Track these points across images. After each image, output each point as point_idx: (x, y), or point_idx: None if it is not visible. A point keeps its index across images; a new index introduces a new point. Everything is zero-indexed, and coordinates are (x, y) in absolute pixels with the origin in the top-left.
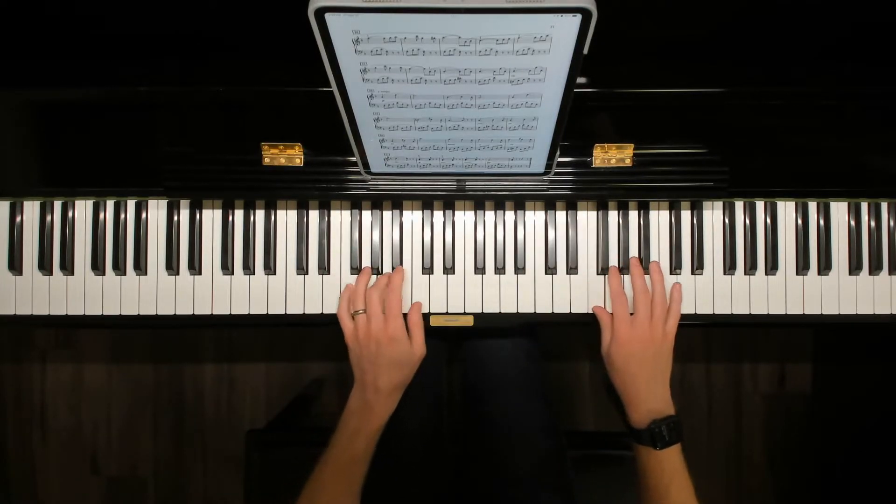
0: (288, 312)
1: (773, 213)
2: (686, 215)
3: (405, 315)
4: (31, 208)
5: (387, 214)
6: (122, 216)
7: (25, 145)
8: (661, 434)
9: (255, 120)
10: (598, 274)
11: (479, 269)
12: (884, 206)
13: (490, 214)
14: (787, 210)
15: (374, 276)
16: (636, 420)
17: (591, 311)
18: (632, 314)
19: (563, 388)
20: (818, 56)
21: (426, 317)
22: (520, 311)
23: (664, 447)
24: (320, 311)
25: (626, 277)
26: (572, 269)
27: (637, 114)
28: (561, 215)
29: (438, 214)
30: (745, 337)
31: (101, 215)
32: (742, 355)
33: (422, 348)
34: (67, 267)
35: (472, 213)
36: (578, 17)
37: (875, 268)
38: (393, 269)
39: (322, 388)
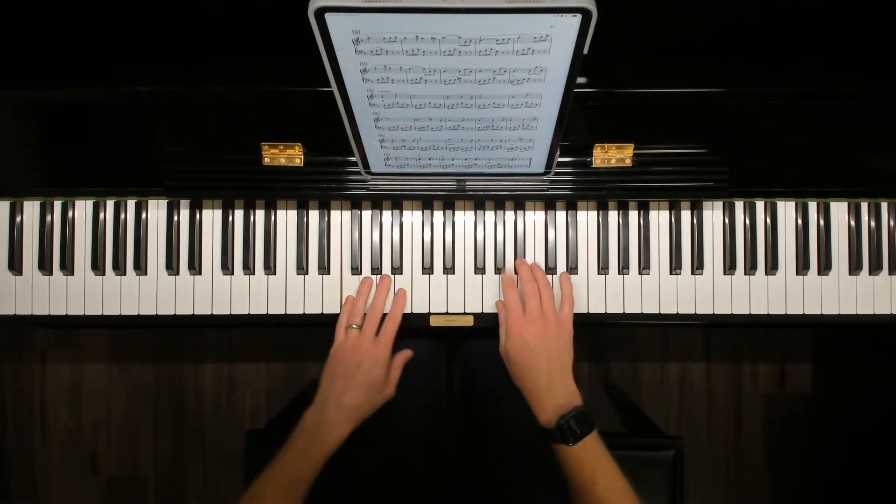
0: (288, 312)
1: (773, 213)
2: (686, 215)
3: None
4: (31, 208)
5: (387, 214)
6: (122, 216)
7: (25, 145)
8: (571, 429)
9: (255, 120)
10: (598, 274)
11: (479, 269)
12: (884, 206)
13: (490, 214)
14: (787, 210)
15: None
16: (544, 420)
17: (590, 311)
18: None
19: None
20: (818, 56)
21: (426, 317)
22: None
23: (577, 441)
24: (320, 311)
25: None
26: (572, 268)
27: (637, 114)
28: (561, 215)
29: (438, 214)
30: (745, 337)
31: (101, 215)
32: (742, 355)
33: (393, 389)
34: (67, 267)
35: (472, 213)
36: (578, 17)
37: (875, 268)
38: (393, 269)
39: None
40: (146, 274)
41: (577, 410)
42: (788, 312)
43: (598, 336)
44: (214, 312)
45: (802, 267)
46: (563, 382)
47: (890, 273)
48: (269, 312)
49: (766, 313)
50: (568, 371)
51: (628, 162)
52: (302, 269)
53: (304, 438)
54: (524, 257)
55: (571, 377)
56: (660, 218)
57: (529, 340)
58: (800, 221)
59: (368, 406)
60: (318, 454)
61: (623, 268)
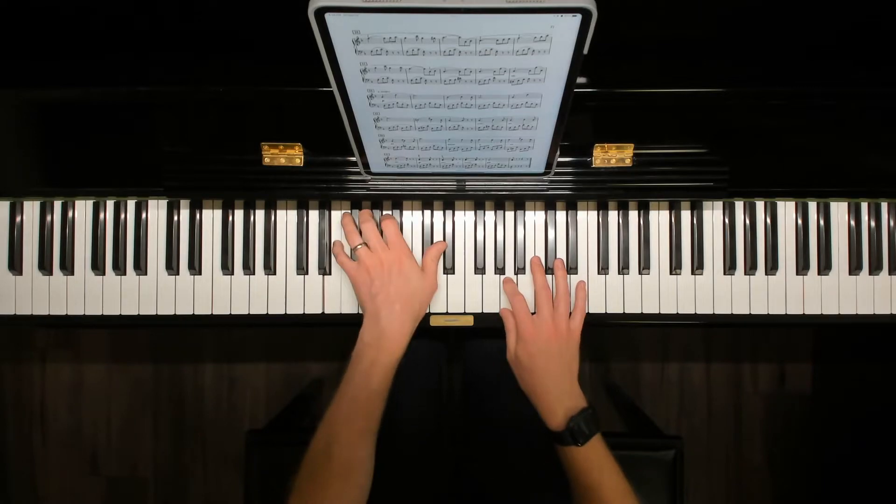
0: (288, 312)
1: (773, 213)
2: (686, 215)
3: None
4: (31, 208)
5: (387, 214)
6: (122, 216)
7: (25, 145)
8: (580, 430)
9: (255, 120)
10: (598, 274)
11: (479, 269)
12: (884, 206)
13: (490, 214)
14: (787, 210)
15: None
16: (554, 423)
17: (590, 311)
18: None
19: None
20: (818, 56)
21: (426, 316)
22: None
23: (585, 441)
24: (320, 311)
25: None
26: (572, 268)
27: (637, 114)
28: (561, 215)
29: (438, 214)
30: (745, 337)
31: (101, 215)
32: (742, 355)
33: (434, 280)
34: (67, 267)
35: (472, 213)
36: (578, 17)
37: (875, 268)
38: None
39: (322, 388)
40: (146, 274)
41: (586, 411)
42: (788, 312)
43: (598, 336)
44: (214, 312)
45: (802, 267)
46: (572, 388)
47: (890, 273)
48: (269, 312)
49: (766, 313)
50: (575, 377)
51: (628, 162)
52: (302, 269)
53: (369, 353)
54: (524, 257)
55: (576, 381)
56: (660, 218)
57: (542, 347)
58: (800, 221)
59: (417, 303)
60: (388, 363)
61: (623, 268)
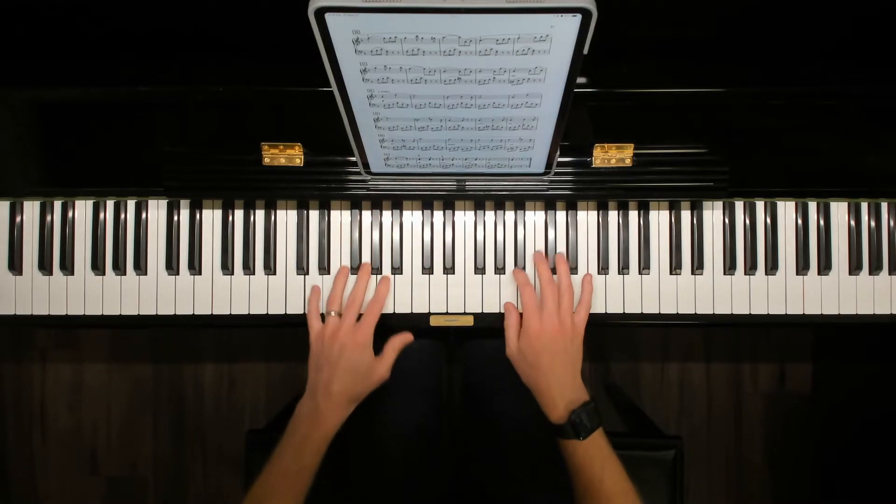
0: (288, 313)
1: (773, 213)
2: (686, 215)
3: (377, 336)
4: (31, 208)
5: (387, 214)
6: (122, 216)
7: (25, 145)
8: (582, 423)
9: (255, 120)
10: (598, 274)
11: (479, 269)
12: (884, 206)
13: (490, 214)
14: (787, 210)
15: (352, 277)
16: (555, 416)
17: (590, 311)
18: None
19: None
20: (818, 56)
21: (426, 317)
22: (519, 310)
23: (587, 435)
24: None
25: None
26: (572, 268)
27: (637, 114)
28: (561, 215)
29: (438, 214)
30: (745, 337)
31: (101, 215)
32: (742, 355)
33: (387, 370)
34: (67, 267)
35: (472, 213)
36: (578, 17)
37: (875, 268)
38: (393, 269)
39: None
40: (146, 274)
41: (588, 405)
42: (788, 312)
43: (598, 336)
44: (214, 312)
45: (802, 267)
46: (574, 382)
47: (890, 273)
48: (269, 312)
49: (766, 313)
50: (578, 372)
51: (628, 162)
52: (302, 269)
53: (303, 428)
54: (524, 257)
55: (579, 376)
56: (660, 218)
57: (547, 344)
58: (800, 221)
59: (359, 389)
60: (320, 440)
61: (623, 268)
